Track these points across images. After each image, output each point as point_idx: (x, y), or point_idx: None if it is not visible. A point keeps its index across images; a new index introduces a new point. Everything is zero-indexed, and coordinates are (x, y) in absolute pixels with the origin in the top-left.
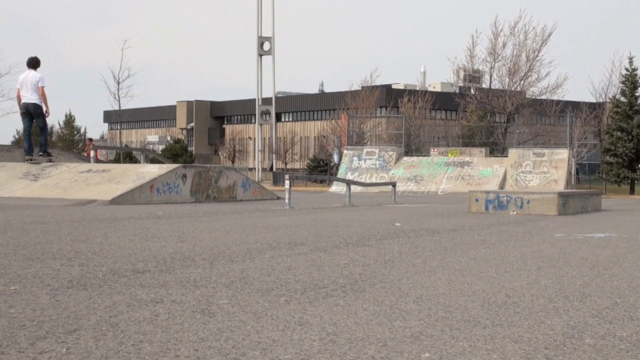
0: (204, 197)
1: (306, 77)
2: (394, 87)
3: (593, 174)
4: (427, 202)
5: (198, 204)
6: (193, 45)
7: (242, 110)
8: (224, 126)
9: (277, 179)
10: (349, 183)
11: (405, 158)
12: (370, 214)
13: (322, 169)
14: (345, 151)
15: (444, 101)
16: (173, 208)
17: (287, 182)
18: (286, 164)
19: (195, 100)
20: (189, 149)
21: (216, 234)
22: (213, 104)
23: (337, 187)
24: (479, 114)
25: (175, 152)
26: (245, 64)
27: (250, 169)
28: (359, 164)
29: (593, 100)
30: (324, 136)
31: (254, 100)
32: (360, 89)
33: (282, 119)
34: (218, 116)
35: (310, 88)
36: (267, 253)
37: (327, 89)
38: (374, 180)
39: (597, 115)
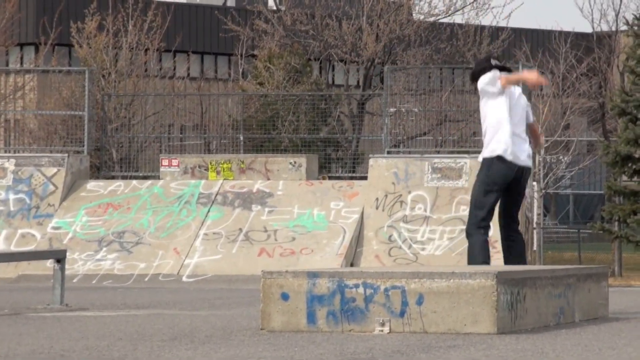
0: None
1: None
2: None
3: (587, 220)
4: (150, 305)
5: None
6: None
7: None
8: None
9: None
10: None
11: (92, 184)
12: None
13: None
14: None
15: (197, 29)
16: None
17: None
18: None
19: None
20: None
21: None
22: None
23: None
24: (291, 63)
25: None
26: None
27: None
28: None
29: (587, 29)
30: None
31: None
32: None
33: None
34: None
35: None
36: None
37: None
38: (2, 244)
39: (596, 67)
